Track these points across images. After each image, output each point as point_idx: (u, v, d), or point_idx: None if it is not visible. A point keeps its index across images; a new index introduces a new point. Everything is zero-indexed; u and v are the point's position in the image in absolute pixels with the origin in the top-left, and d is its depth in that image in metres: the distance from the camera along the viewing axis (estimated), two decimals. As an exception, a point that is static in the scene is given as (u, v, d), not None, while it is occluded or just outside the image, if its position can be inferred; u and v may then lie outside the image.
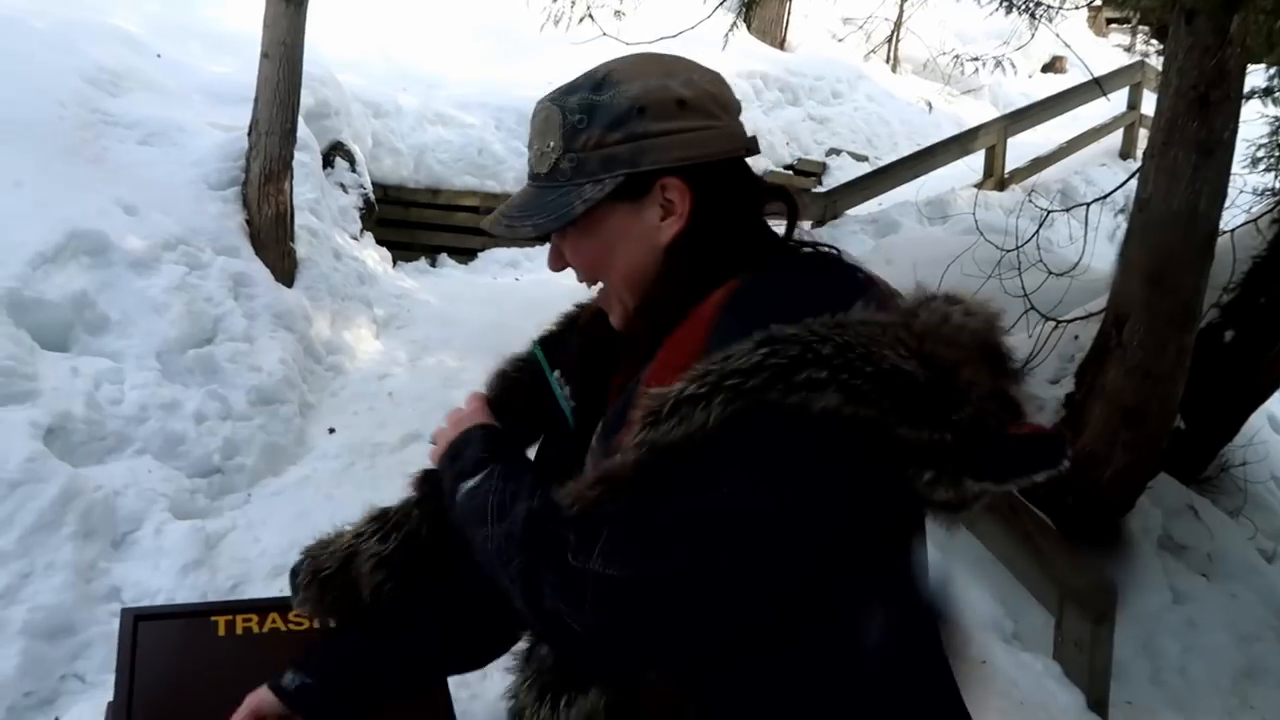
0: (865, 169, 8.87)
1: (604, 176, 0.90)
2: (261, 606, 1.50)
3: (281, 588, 1.25)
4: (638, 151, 0.90)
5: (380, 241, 6.01)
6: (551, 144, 0.92)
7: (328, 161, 5.86)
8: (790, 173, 9.16)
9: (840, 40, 12.07)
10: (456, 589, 1.13)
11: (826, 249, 0.95)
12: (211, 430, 3.64)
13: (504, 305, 5.16)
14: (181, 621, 1.51)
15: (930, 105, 10.83)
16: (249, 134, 4.64)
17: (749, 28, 9.86)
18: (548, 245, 1.00)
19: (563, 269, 0.99)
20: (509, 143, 7.09)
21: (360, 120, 6.46)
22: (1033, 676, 3.27)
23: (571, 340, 1.08)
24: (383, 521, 1.16)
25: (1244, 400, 5.00)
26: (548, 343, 1.12)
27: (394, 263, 6.02)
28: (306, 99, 4.93)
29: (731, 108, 0.96)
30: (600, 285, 0.99)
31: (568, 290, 1.12)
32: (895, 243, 6.81)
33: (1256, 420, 5.32)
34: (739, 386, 0.77)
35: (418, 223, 6.70)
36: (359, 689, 1.14)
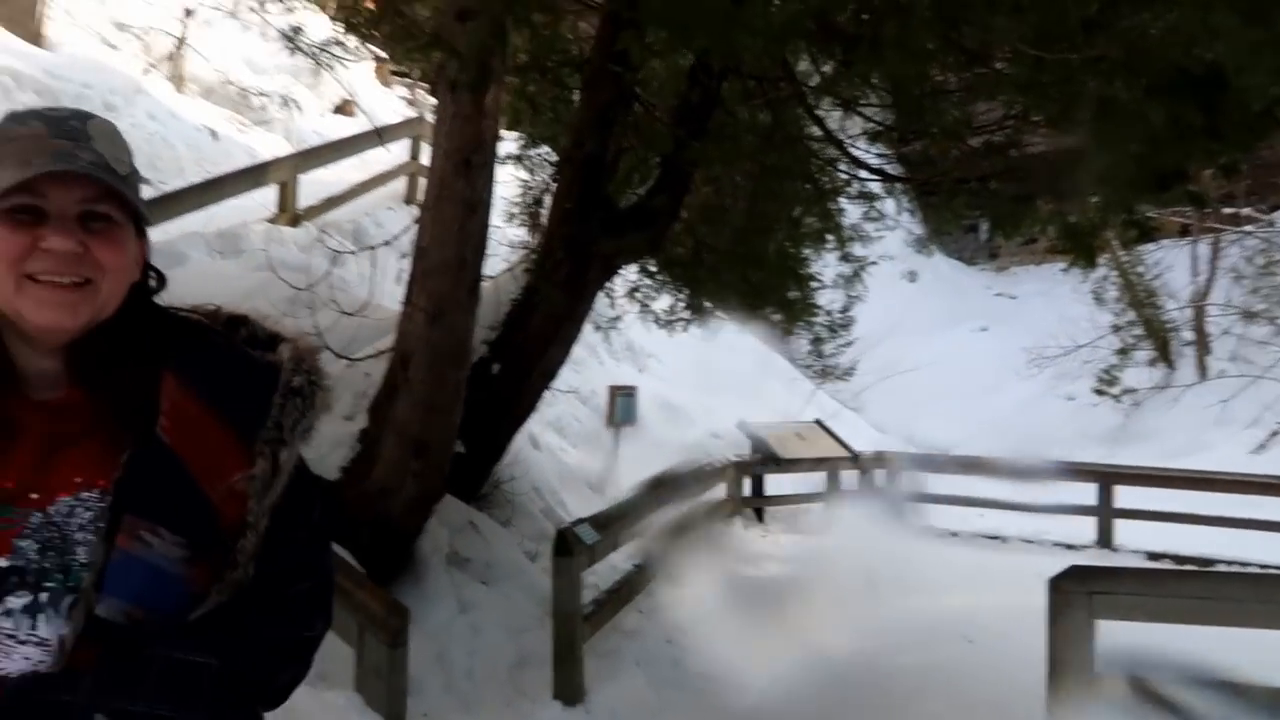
0: (148, 194, 8.24)
1: (138, 206, 1.07)
2: None
3: None
4: (142, 200, 1.09)
5: None
6: (126, 159, 1.06)
7: None
8: (56, 191, 8.09)
9: (115, 48, 11.04)
10: None
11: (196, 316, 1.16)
12: None
13: None
14: None
15: (215, 133, 10.42)
16: None
17: (-8, 13, 8.46)
18: None
19: (69, 250, 1.01)
20: None
21: None
22: (335, 713, 3.33)
23: None
24: None
25: (509, 424, 5.77)
26: None
27: None
28: None
29: None
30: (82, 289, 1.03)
31: None
32: (183, 276, 6.38)
33: (520, 440, 6.17)
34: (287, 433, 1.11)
35: None
36: None
